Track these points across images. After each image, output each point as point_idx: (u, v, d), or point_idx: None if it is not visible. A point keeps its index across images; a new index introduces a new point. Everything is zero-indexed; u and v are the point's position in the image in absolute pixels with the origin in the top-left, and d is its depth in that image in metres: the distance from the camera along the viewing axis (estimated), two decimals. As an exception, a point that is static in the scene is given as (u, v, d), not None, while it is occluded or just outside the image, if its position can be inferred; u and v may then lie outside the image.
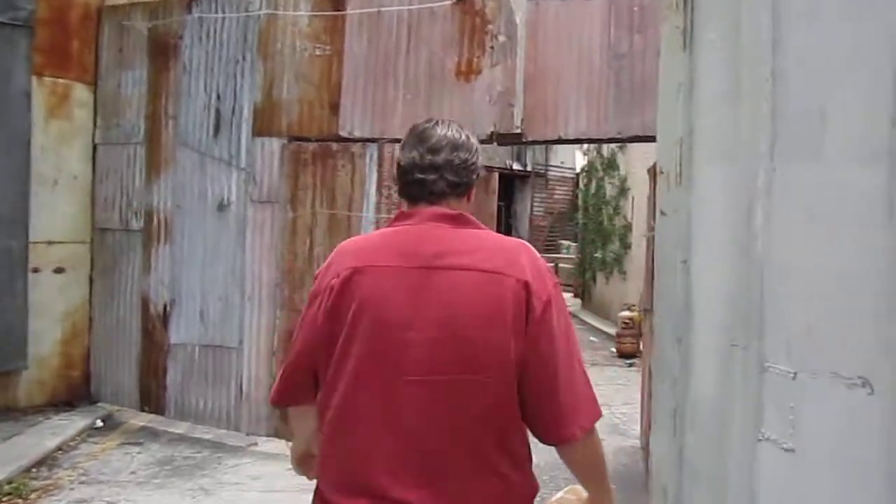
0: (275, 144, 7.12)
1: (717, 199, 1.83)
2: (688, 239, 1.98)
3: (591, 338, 13.45)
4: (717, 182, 1.85)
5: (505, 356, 1.69)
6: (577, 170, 20.27)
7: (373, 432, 1.72)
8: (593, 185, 16.12)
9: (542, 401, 1.74)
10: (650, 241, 7.06)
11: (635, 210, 13.65)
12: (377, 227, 6.70)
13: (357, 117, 6.90)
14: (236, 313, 7.22)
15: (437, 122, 1.95)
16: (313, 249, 6.97)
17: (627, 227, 14.13)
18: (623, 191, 14.37)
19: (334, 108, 6.96)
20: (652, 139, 6.37)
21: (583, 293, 16.79)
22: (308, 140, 7.03)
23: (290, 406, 2.07)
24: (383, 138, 6.82)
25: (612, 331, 13.30)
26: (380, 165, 6.80)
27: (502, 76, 6.55)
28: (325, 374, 1.83)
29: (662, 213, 2.31)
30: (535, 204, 23.42)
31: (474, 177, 1.93)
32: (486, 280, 1.72)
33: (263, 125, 7.17)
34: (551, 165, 24.27)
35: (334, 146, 6.95)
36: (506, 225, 25.13)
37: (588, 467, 1.88)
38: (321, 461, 1.87)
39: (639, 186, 13.15)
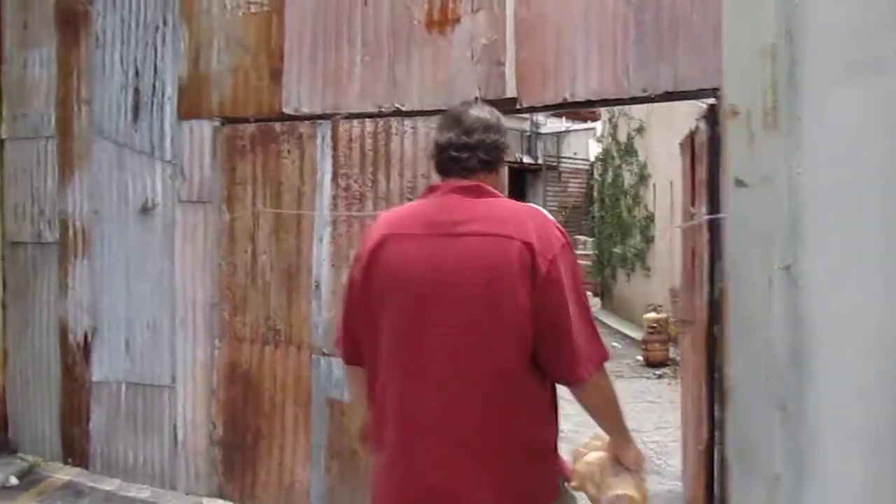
0: (205, 128, 5.53)
1: (858, 149, 1.29)
2: (793, 228, 1.39)
3: (614, 343, 11.76)
4: (853, 115, 1.28)
5: (515, 308, 1.86)
6: (592, 160, 18.53)
7: (404, 383, 1.93)
8: (609, 174, 14.43)
9: (554, 346, 1.90)
10: (689, 234, 5.40)
11: (658, 198, 11.96)
12: (334, 228, 5.11)
13: (305, 88, 5.29)
14: (167, 343, 5.63)
15: (471, 105, 2.19)
16: (257, 259, 5.38)
17: (650, 219, 12.46)
18: (643, 178, 12.71)
19: (276, 77, 5.35)
20: (690, 95, 4.70)
21: (602, 292, 15.10)
22: (245, 121, 5.43)
23: (357, 366, 2.15)
24: (338, 113, 5.20)
25: (637, 335, 11.65)
26: (334, 148, 5.18)
27: (487, 25, 4.91)
28: (365, 331, 2.04)
29: (740, 183, 1.75)
30: (548, 198, 21.72)
31: (503, 155, 2.14)
32: (495, 243, 1.89)
33: (191, 105, 5.57)
34: (564, 157, 22.56)
35: (278, 127, 5.34)
36: (518, 221, 23.47)
37: (601, 406, 2.01)
38: (372, 416, 2.08)
39: (661, 171, 11.47)
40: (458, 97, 4.89)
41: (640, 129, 12.86)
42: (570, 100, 4.74)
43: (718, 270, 4.35)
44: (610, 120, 14.32)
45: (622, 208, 13.65)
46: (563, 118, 24.16)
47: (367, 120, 5.11)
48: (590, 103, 4.74)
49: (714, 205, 4.43)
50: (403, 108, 5.06)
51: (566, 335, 1.89)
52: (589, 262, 17.66)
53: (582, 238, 19.91)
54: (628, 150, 13.36)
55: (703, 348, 4.62)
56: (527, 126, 24.17)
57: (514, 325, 1.87)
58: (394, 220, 2.08)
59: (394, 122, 5.06)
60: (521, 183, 23.35)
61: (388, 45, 5.10)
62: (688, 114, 11.76)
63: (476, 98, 2.60)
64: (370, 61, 5.14)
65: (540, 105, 4.83)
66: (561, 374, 1.94)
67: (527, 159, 23.66)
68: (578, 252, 19.76)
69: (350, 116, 5.15)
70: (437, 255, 1.92)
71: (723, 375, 4.28)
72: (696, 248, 4.97)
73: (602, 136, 15.18)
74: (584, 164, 22.01)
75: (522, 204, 2.15)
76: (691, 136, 5.18)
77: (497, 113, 2.19)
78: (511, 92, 4.89)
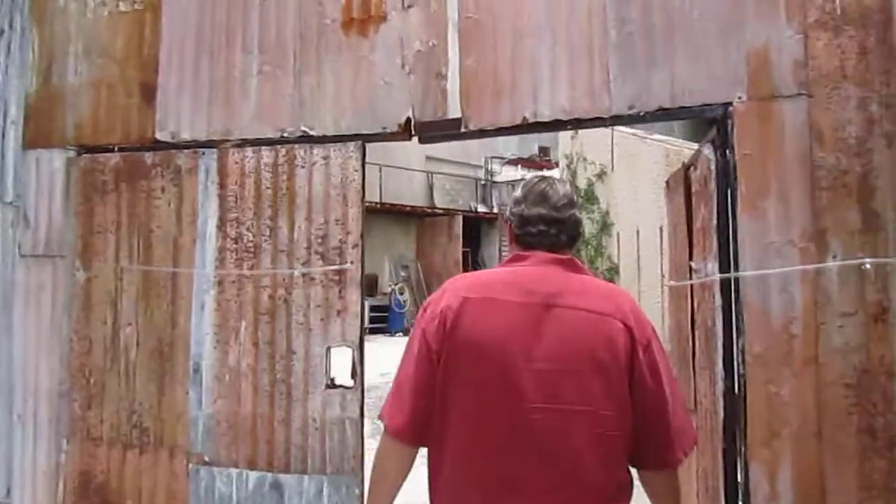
0: (56, 160, 4.15)
1: None
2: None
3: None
4: None
5: (617, 390, 1.77)
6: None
7: (498, 456, 1.78)
8: (568, 222, 13.30)
9: (648, 431, 1.82)
10: (681, 295, 4.17)
11: (622, 249, 10.83)
12: (220, 291, 3.75)
13: (185, 108, 3.97)
14: (2, 444, 4.16)
15: (552, 181, 2.05)
16: (120, 332, 3.97)
17: (614, 270, 11.31)
18: (605, 226, 11.61)
19: (149, 94, 4.03)
20: (694, 112, 3.50)
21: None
22: (108, 150, 4.08)
23: (422, 446, 1.94)
24: (227, 140, 3.89)
25: None
26: (222, 186, 3.85)
27: (422, 25, 3.69)
28: (441, 397, 1.83)
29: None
30: (504, 248, 20.58)
31: (581, 231, 2.07)
32: (597, 321, 1.80)
33: (39, 130, 4.20)
34: (519, 206, 21.52)
35: (149, 158, 3.99)
36: (474, 271, 22.25)
37: (675, 493, 1.95)
38: (439, 488, 1.88)
39: (625, 219, 10.35)
40: (384, 119, 3.66)
41: (601, 175, 11.81)
42: (531, 120, 3.50)
43: (740, 349, 3.12)
44: (568, 166, 13.25)
45: (584, 259, 12.49)
46: (519, 166, 23.25)
47: (264, 148, 3.80)
48: (558, 125, 3.50)
49: (727, 258, 3.22)
50: (313, 133, 3.77)
51: (662, 421, 1.83)
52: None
53: (539, 290, 18.74)
54: (589, 198, 12.28)
55: (713, 451, 3.36)
56: (481, 175, 23.20)
57: (618, 408, 1.79)
58: (478, 283, 1.94)
59: (300, 150, 3.76)
60: (476, 232, 22.23)
61: (293, 51, 3.83)
62: (654, 156, 10.80)
63: (556, 178, 2.07)
64: (270, 72, 3.86)
65: (492, 128, 3.58)
66: (649, 459, 1.87)
67: (482, 208, 22.58)
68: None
69: (243, 144, 3.83)
70: (535, 326, 1.79)
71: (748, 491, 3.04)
72: (698, 315, 3.74)
73: (560, 181, 14.09)
74: (541, 213, 20.95)
75: (611, 284, 2.12)
76: (686, 169, 3.99)
77: (572, 189, 2.11)
78: (454, 111, 3.65)
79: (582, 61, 3.45)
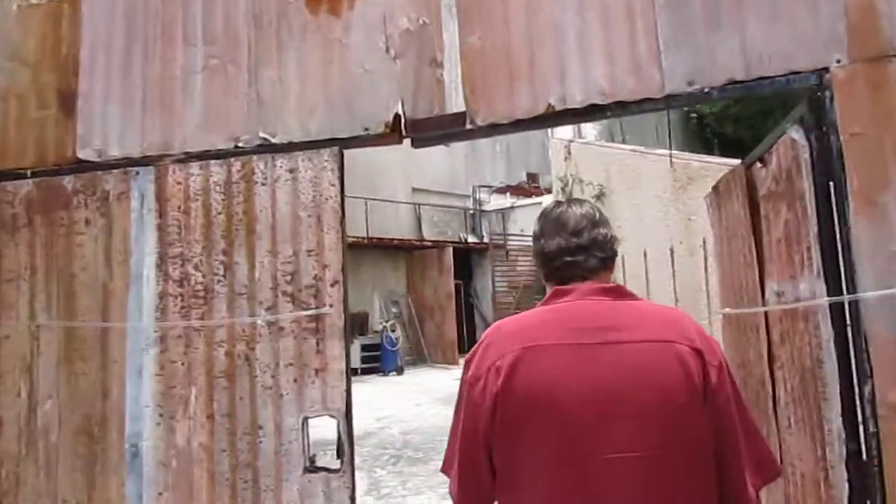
0: (-46, 192, 3.26)
1: None
2: None
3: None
4: None
5: (695, 426, 1.55)
6: (544, 233, 16.68)
7: None
8: (566, 248, 12.45)
9: (730, 464, 1.60)
10: (750, 324, 3.29)
11: (628, 272, 9.98)
12: (164, 345, 2.85)
13: (113, 118, 3.08)
14: None
15: (567, 203, 1.80)
16: (36, 407, 3.03)
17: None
18: (608, 251, 10.74)
19: (68, 104, 3.14)
20: (777, 83, 2.61)
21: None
22: (19, 175, 3.18)
23: None
24: (167, 155, 3.00)
25: None
26: (161, 214, 2.95)
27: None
28: (502, 461, 1.60)
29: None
30: (497, 278, 19.74)
31: (616, 248, 1.77)
32: (661, 350, 1.56)
33: (-67, 155, 3.32)
34: (510, 234, 20.70)
35: (70, 183, 3.10)
36: (466, 305, 21.36)
37: None
38: None
39: (630, 240, 9.52)
40: (365, 117, 2.80)
41: (599, 196, 11.00)
42: (558, 107, 2.64)
43: (867, 398, 2.24)
44: (563, 189, 12.45)
45: (585, 286, 11.60)
46: (508, 194, 22.48)
47: (214, 163, 2.92)
48: (594, 112, 2.64)
49: (835, 275, 2.36)
50: (275, 140, 2.90)
51: (737, 450, 1.60)
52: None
53: (536, 320, 17.84)
54: (588, 220, 11.44)
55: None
56: (469, 204, 22.40)
57: (698, 445, 1.55)
58: (521, 331, 1.65)
59: (260, 162, 2.89)
60: (467, 263, 21.35)
61: (247, 39, 2.97)
62: (657, 172, 10.04)
63: (573, 199, 1.82)
64: (219, 67, 2.99)
65: (507, 121, 2.71)
66: (726, 486, 1.60)
67: (472, 238, 21.73)
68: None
69: (188, 158, 2.95)
70: (595, 368, 1.55)
71: None
72: (781, 351, 2.87)
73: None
74: (533, 241, 20.12)
75: (665, 305, 1.82)
76: (747, 167, 3.14)
77: (595, 206, 1.82)
78: (456, 104, 2.80)
79: (621, 27, 2.61)
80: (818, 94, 2.40)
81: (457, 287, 20.01)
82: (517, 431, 1.57)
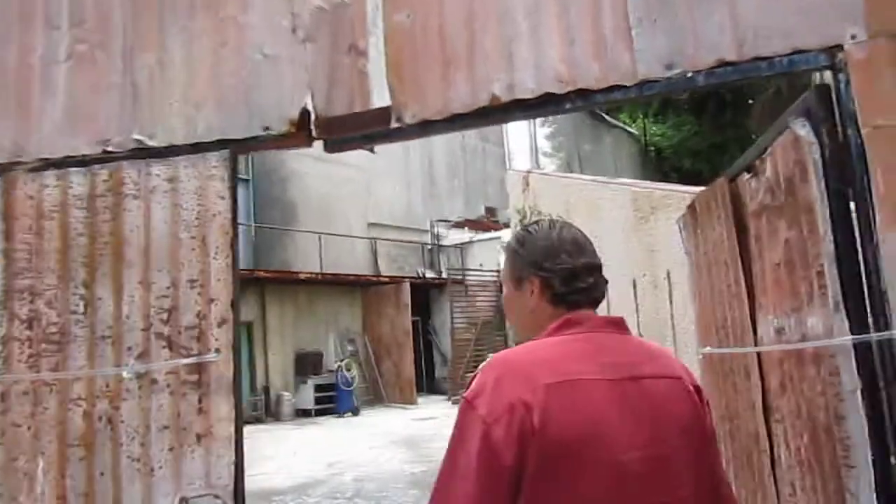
0: None
1: None
2: None
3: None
4: None
5: (713, 461, 1.51)
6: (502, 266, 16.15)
7: None
8: (525, 282, 11.93)
9: (723, 500, 1.51)
10: (727, 372, 2.73)
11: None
12: (4, 402, 2.20)
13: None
14: None
15: (565, 224, 1.56)
16: None
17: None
18: (568, 285, 10.23)
19: None
20: (776, 64, 2.15)
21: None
22: None
23: None
24: (18, 162, 2.37)
25: None
26: (7, 235, 2.31)
27: (323, -34, 2.29)
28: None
29: None
30: (456, 314, 19.08)
31: None
32: (678, 388, 1.45)
33: None
34: (469, 269, 20.13)
35: None
36: (424, 342, 20.68)
37: None
38: None
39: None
40: (265, 113, 2.21)
41: (559, 228, 10.54)
42: (505, 98, 2.08)
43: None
44: (521, 221, 11.96)
45: (545, 322, 11.08)
46: (466, 228, 22.00)
47: (76, 172, 2.29)
48: (551, 104, 2.08)
49: (859, 308, 1.82)
50: (152, 143, 2.29)
51: (730, 495, 1.55)
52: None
53: (496, 357, 17.22)
54: (546, 254, 10.95)
55: None
56: (427, 239, 21.85)
57: (715, 486, 1.49)
58: (548, 361, 1.37)
59: (132, 170, 2.27)
60: (425, 299, 20.71)
61: (121, 20, 2.38)
62: (618, 202, 9.60)
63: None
64: (87, 53, 2.39)
65: (440, 117, 2.15)
66: None
67: (430, 274, 21.13)
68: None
69: (43, 167, 2.33)
70: (632, 405, 1.37)
71: None
72: (781, 401, 2.31)
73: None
74: (493, 276, 19.59)
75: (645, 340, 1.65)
76: (730, 180, 2.61)
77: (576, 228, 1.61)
78: (380, 98, 2.23)
79: (582, 1, 2.07)
80: (829, 78, 1.89)
81: (414, 324, 19.34)
82: (556, 476, 1.33)
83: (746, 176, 2.48)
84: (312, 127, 2.24)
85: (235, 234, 2.16)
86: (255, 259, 17.01)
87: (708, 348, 3.06)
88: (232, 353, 2.10)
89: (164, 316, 2.16)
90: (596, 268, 1.50)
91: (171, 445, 2.10)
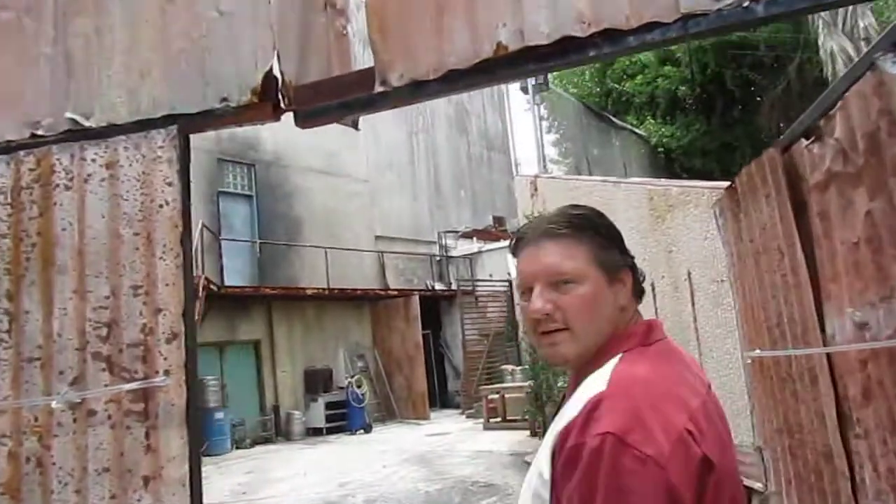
0: None
1: None
2: None
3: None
4: None
5: None
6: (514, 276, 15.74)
7: None
8: (537, 290, 11.47)
9: None
10: (782, 378, 2.29)
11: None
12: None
13: None
14: None
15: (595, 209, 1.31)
16: None
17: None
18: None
19: None
20: None
21: (544, 432, 11.80)
22: None
23: None
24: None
25: None
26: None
27: None
28: None
29: None
30: (467, 327, 18.63)
31: None
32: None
33: None
34: (479, 280, 19.71)
35: None
36: (436, 355, 20.23)
37: None
38: None
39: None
40: (223, 82, 1.80)
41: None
42: (512, 46, 1.66)
43: None
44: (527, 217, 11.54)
45: (559, 330, 10.62)
46: (474, 239, 21.59)
47: (-2, 160, 1.90)
48: (570, 50, 1.67)
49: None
50: (88, 123, 1.89)
51: None
52: (522, 395, 14.55)
53: (509, 368, 16.76)
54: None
55: None
56: (435, 250, 21.45)
57: None
58: (669, 380, 1.14)
59: (63, 157, 1.86)
60: (435, 312, 20.28)
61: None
62: (633, 201, 9.11)
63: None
64: (13, 21, 1.99)
65: (437, 75, 1.73)
66: None
67: (439, 286, 20.70)
68: (508, 385, 16.61)
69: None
70: (719, 419, 1.19)
71: None
72: (867, 412, 1.88)
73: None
74: (503, 286, 19.15)
75: None
76: (783, 150, 2.18)
77: None
78: (362, 60, 1.81)
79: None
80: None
81: (425, 337, 18.90)
82: None
83: (805, 142, 2.05)
84: (280, 96, 1.82)
85: (188, 229, 1.75)
86: (261, 275, 16.65)
87: (758, 351, 2.61)
88: (185, 375, 1.68)
89: (103, 331, 1.74)
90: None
91: (113, 492, 1.68)
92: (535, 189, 11.11)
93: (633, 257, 1.24)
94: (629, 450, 1.00)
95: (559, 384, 10.45)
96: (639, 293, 1.24)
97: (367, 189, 19.61)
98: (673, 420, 1.05)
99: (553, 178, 11.62)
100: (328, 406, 16.44)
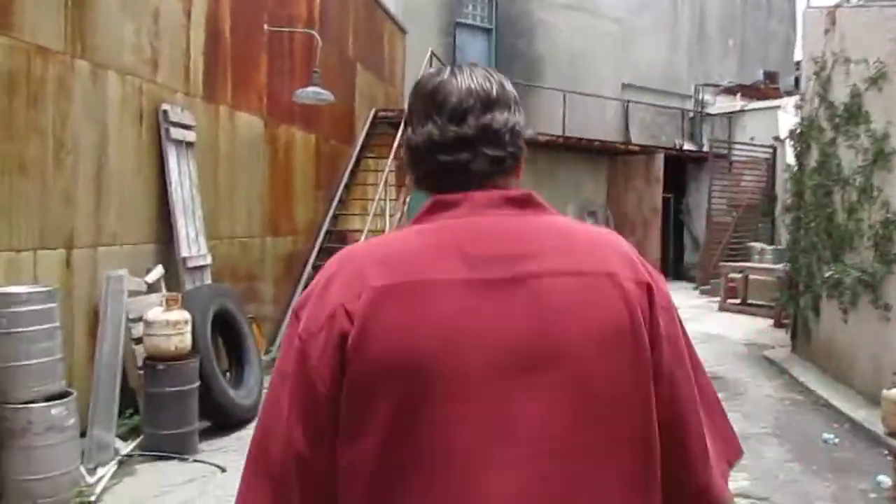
0: None
1: None
2: None
3: (825, 434, 6.52)
4: None
5: (644, 395, 1.02)
6: (783, 136, 12.87)
7: None
8: (814, 154, 8.99)
9: (686, 444, 1.08)
10: None
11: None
12: None
13: None
14: None
15: (453, 70, 1.15)
16: None
17: (893, 224, 7.08)
18: (880, 158, 7.32)
19: None
20: None
21: (794, 329, 9.68)
22: None
23: None
24: None
25: (860, 411, 6.60)
26: None
27: None
28: (352, 464, 0.96)
29: None
30: (715, 195, 16.21)
31: (521, 143, 1.14)
32: (601, 286, 1.02)
33: None
34: (736, 143, 16.91)
35: None
36: (675, 222, 18.13)
37: None
38: None
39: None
40: None
41: (875, 80, 7.49)
42: None
43: None
44: (817, 74, 8.91)
45: (837, 207, 8.24)
46: (738, 96, 18.48)
47: None
48: None
49: None
50: None
51: (692, 419, 1.09)
52: (773, 280, 12.31)
53: (759, 247, 14.34)
54: (852, 116, 7.96)
55: None
56: (689, 105, 18.73)
57: (644, 424, 1.02)
58: (388, 257, 1.02)
59: None
60: (681, 173, 17.96)
61: None
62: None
63: (467, 64, 1.06)
64: None
65: None
66: (678, 476, 1.08)
67: (688, 146, 18.19)
68: (755, 265, 14.24)
69: None
70: (505, 316, 0.97)
71: None
72: None
73: (802, 100, 9.70)
74: (764, 152, 16.26)
75: (594, 226, 1.23)
76: None
77: (497, 74, 1.15)
78: None
79: None
80: None
81: (665, 201, 16.87)
82: (388, 422, 0.93)
83: None
84: None
85: None
86: (493, 117, 15.46)
87: None
88: None
89: None
90: (459, 140, 1.06)
91: None
92: (833, 23, 8.44)
93: (413, 148, 1.11)
94: (294, 323, 1.01)
95: (826, 273, 8.23)
96: (419, 180, 1.13)
97: (618, 30, 17.21)
98: (328, 302, 0.97)
99: (858, 8, 8.76)
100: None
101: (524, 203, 1.09)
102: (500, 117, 1.10)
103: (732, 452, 1.18)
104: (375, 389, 0.93)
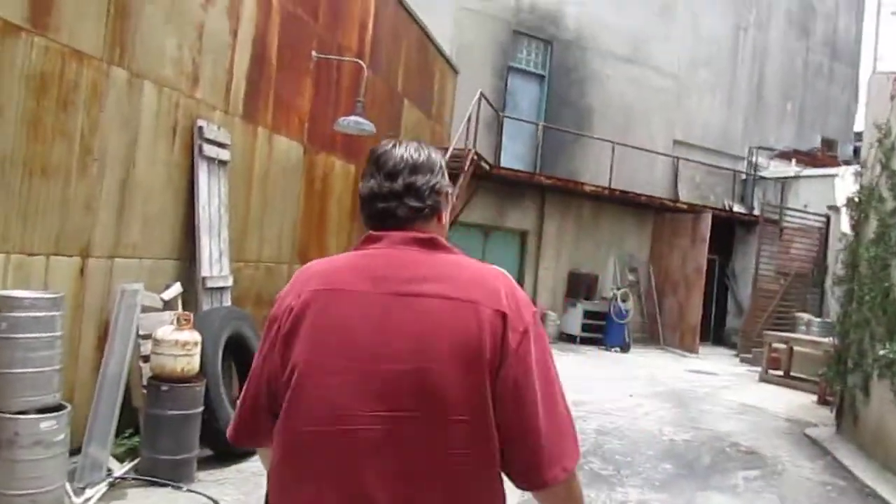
0: None
1: None
2: None
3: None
4: None
5: (479, 393, 1.38)
6: (839, 204, 12.30)
7: (322, 473, 1.40)
8: (872, 225, 8.50)
9: (520, 441, 1.42)
10: None
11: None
12: None
13: None
14: None
15: (395, 143, 1.62)
16: None
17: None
18: (946, 233, 6.84)
19: None
20: None
21: (840, 407, 9.06)
22: None
23: (250, 447, 1.69)
24: None
25: None
26: None
27: None
28: (281, 405, 1.46)
29: None
30: (763, 261, 15.62)
31: (440, 198, 1.59)
32: (457, 308, 1.40)
33: None
34: (789, 209, 16.34)
35: None
36: (719, 285, 17.50)
37: None
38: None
39: None
40: None
41: (943, 151, 7.06)
42: None
43: None
44: (880, 141, 8.48)
45: (895, 282, 7.74)
46: (793, 161, 17.95)
47: None
48: None
49: None
50: None
51: (534, 429, 1.41)
52: (819, 354, 11.66)
53: (806, 317, 13.69)
54: (916, 187, 7.52)
55: None
56: (742, 167, 18.25)
57: (476, 415, 1.38)
58: (327, 272, 1.53)
59: None
60: (728, 236, 17.41)
61: None
62: None
63: (407, 140, 1.63)
64: None
65: None
66: (524, 476, 1.44)
67: (738, 208, 17.67)
68: (800, 336, 13.57)
69: None
70: (384, 318, 1.41)
71: None
72: None
73: (863, 167, 9.24)
74: (817, 221, 15.67)
75: (485, 264, 1.58)
76: None
77: (428, 148, 1.62)
78: None
79: None
80: None
81: (710, 262, 16.29)
82: (300, 379, 1.42)
83: None
84: None
85: None
86: (540, 163, 15.19)
87: None
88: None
89: None
90: (390, 193, 1.51)
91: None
92: (900, 89, 8.06)
93: (362, 196, 1.59)
94: (278, 297, 1.52)
95: (880, 351, 7.68)
96: (366, 220, 1.55)
97: (673, 85, 16.92)
98: (286, 299, 1.48)
99: (931, 77, 8.36)
100: (586, 314, 14.87)
101: (429, 243, 1.49)
102: (421, 179, 1.52)
103: (573, 455, 1.44)
104: (298, 339, 1.42)
